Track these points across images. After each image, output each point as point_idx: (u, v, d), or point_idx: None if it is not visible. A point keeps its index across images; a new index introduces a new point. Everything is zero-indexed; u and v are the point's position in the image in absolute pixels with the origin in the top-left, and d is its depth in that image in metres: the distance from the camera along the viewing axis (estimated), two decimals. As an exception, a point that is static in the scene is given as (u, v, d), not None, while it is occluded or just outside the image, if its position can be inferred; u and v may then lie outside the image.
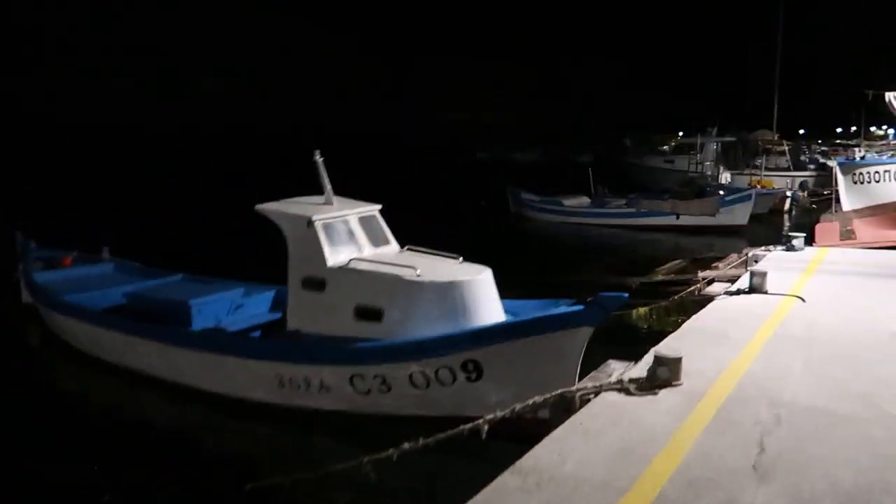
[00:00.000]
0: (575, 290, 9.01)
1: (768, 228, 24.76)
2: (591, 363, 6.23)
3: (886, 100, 28.06)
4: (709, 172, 30.36)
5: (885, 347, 6.11)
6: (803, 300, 7.78)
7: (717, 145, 38.48)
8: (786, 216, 27.40)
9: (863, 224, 13.41)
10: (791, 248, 11.29)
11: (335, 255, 7.36)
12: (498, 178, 39.58)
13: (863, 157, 41.60)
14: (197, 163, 50.69)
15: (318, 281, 7.37)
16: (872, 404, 4.83)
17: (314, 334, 7.42)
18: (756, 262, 11.14)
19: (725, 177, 29.80)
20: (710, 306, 7.84)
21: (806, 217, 25.73)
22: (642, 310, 12.02)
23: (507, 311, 7.61)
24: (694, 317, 7.44)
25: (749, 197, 22.68)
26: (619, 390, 5.05)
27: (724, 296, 8.29)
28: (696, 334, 6.67)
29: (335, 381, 7.09)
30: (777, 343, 6.30)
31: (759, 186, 28.96)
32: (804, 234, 11.50)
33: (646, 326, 11.55)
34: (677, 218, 23.35)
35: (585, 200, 26.70)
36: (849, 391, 5.11)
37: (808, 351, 6.06)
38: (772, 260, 10.72)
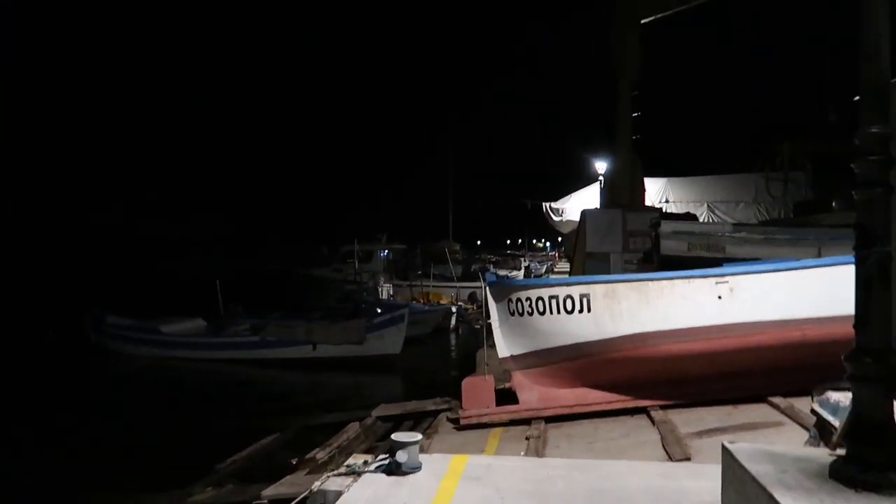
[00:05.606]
0: None
1: (431, 355, 20.04)
2: None
3: (543, 210, 26.94)
4: (370, 283, 25.48)
5: None
6: None
7: (387, 252, 34.79)
8: (452, 335, 23.24)
9: (526, 379, 8.32)
10: (395, 468, 5.35)
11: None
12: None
13: (528, 267, 41.33)
14: None
15: None
16: None
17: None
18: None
19: (387, 289, 25.27)
20: None
21: (474, 338, 21.47)
22: None
23: None
24: None
25: (401, 318, 17.42)
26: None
27: None
28: None
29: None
30: None
31: (423, 301, 24.82)
32: (418, 439, 5.55)
33: None
34: (314, 348, 17.22)
35: (200, 325, 19.32)
36: None
37: None
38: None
